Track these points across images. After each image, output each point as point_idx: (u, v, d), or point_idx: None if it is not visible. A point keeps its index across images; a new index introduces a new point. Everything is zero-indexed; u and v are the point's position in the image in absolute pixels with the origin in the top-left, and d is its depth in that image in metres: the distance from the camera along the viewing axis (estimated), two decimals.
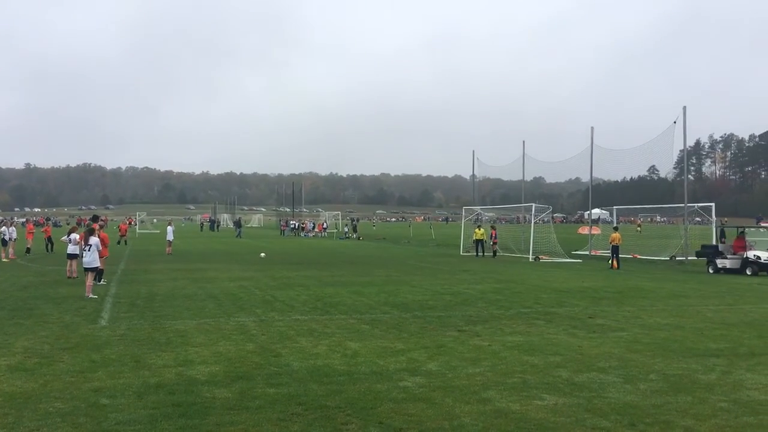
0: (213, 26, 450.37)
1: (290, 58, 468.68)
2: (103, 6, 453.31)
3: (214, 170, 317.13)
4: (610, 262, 28.38)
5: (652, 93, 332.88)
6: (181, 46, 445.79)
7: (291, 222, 79.55)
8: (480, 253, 35.74)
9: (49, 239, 36.82)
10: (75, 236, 20.44)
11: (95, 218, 24.26)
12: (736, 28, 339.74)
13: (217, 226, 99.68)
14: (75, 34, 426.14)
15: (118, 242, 45.75)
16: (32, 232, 36.29)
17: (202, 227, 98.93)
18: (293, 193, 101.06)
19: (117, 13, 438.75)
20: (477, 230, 36.99)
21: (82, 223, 57.69)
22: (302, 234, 70.82)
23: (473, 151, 46.89)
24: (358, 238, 59.39)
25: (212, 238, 65.43)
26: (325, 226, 74.06)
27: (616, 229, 30.55)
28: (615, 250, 28.12)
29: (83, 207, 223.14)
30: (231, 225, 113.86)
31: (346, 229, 68.06)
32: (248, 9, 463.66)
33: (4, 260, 29.71)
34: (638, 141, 37.00)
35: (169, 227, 37.89)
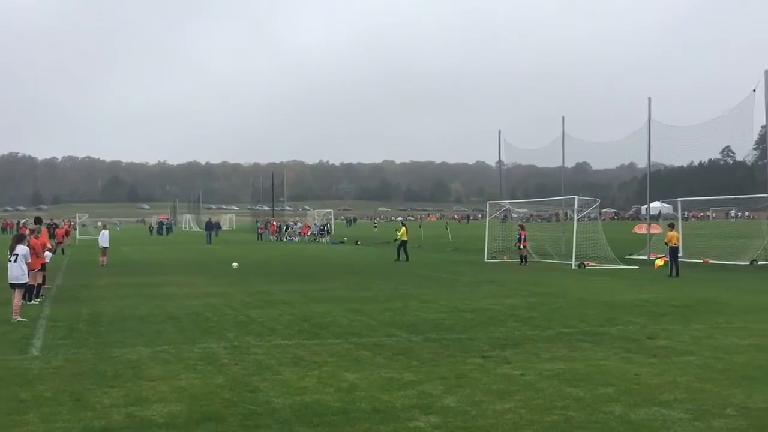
0: None
1: (270, 10, 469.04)
2: None
3: (173, 160, 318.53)
4: (662, 264, 29.32)
5: (725, 56, 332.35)
6: (130, 4, 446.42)
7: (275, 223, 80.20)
8: (399, 258, 37.12)
9: None
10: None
11: (38, 220, 24.19)
12: None
13: (167, 229, 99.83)
14: None
15: (54, 251, 45.81)
16: None
17: (152, 231, 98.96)
18: (273, 186, 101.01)
19: None
20: (400, 229, 38.73)
21: (8, 228, 57.53)
22: (286, 238, 71.51)
23: (499, 131, 46.98)
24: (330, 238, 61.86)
25: (169, 244, 65.58)
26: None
27: (671, 226, 30.44)
28: (673, 252, 28.12)
29: (9, 208, 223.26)
30: (196, 228, 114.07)
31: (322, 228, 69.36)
32: None
33: None
34: (708, 116, 36.84)
35: (103, 231, 38.22)
